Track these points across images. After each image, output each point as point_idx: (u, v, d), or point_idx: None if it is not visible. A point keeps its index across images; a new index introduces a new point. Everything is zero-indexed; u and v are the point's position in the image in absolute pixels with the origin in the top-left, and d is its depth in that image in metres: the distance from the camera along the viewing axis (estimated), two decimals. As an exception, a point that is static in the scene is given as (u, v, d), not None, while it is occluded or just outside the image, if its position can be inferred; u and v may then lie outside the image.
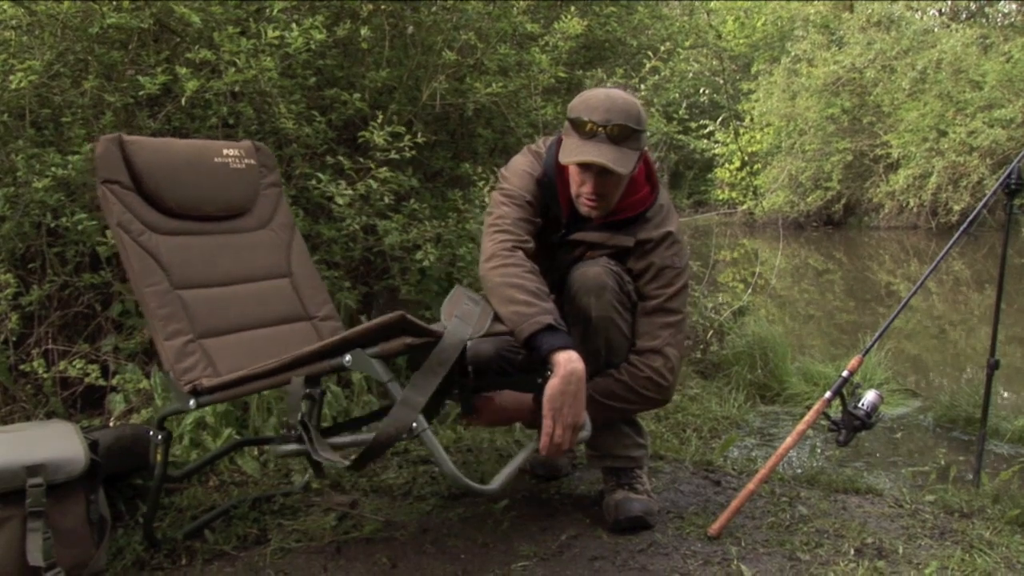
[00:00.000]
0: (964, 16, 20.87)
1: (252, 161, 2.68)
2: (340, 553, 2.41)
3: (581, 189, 2.44)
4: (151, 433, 2.38)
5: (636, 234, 2.50)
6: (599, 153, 2.32)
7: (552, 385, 2.12)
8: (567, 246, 2.55)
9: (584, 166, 2.38)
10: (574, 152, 2.36)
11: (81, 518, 2.24)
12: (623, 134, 2.33)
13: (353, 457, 1.99)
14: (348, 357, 1.96)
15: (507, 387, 2.49)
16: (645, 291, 2.49)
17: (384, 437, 1.90)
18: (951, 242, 2.96)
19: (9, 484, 2.12)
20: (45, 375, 3.04)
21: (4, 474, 2.12)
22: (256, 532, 2.55)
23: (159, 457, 2.36)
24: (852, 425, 2.64)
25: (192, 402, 2.19)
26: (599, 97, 2.40)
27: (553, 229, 2.56)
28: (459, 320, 2.04)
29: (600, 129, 2.33)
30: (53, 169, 2.89)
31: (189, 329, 2.32)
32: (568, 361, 2.13)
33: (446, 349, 1.95)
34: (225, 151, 2.62)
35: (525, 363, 2.48)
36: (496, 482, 1.99)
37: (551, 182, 2.53)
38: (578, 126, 2.37)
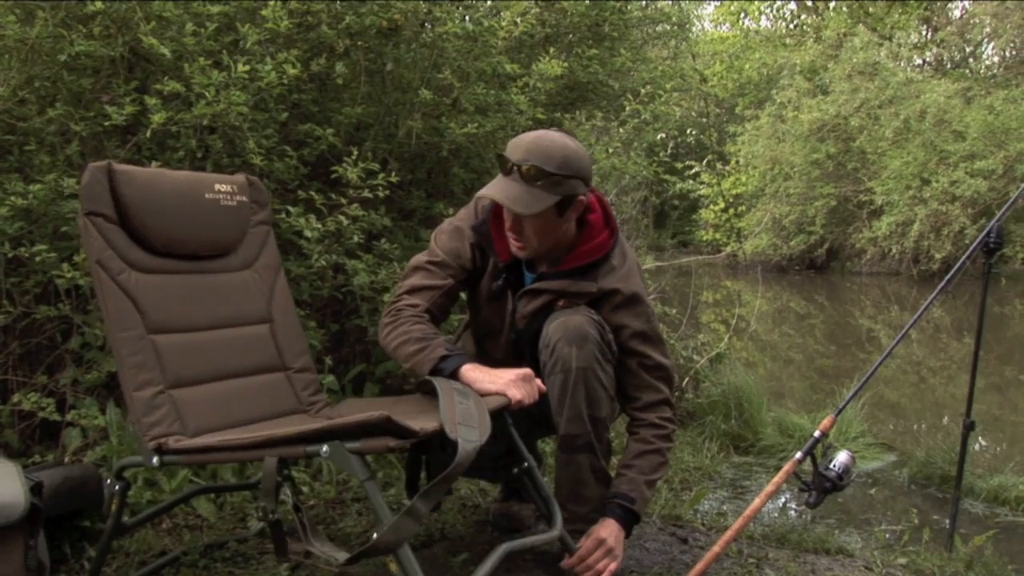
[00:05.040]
0: (948, 66, 21.11)
1: (244, 198, 2.58)
2: (290, 607, 2.33)
3: (506, 228, 2.42)
4: (107, 482, 2.29)
5: (599, 280, 2.45)
6: (502, 190, 2.31)
7: (484, 388, 2.21)
8: (528, 296, 2.49)
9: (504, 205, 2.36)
10: (487, 188, 2.35)
11: (18, 565, 2.15)
12: (536, 175, 2.28)
13: (344, 553, 1.93)
14: (326, 448, 1.89)
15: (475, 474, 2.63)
16: (631, 347, 2.45)
17: (383, 544, 1.82)
18: (927, 303, 2.90)
19: (-57, 528, 2.04)
20: (1, 407, 2.96)
21: (-62, 518, 2.04)
22: (205, 582, 2.47)
23: (114, 507, 2.27)
24: (823, 487, 2.57)
25: (155, 459, 2.11)
26: (530, 138, 2.36)
27: (494, 276, 2.54)
28: (465, 427, 1.94)
29: (515, 168, 2.30)
30: (13, 198, 2.82)
31: (160, 379, 2.22)
32: (471, 368, 2.26)
33: (461, 463, 1.86)
34: (217, 186, 2.51)
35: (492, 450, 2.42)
36: None
37: (487, 229, 2.51)
38: (501, 163, 2.35)
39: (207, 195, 2.48)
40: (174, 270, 2.39)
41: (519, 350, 2.55)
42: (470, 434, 1.92)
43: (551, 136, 2.36)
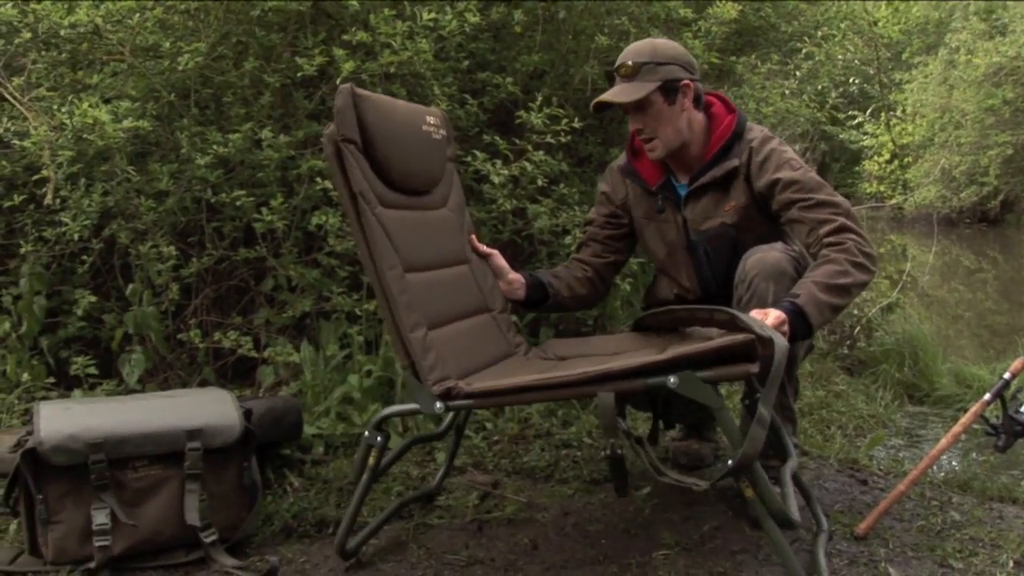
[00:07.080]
0: None
1: (445, 132, 2.50)
2: (482, 531, 2.44)
3: (632, 131, 2.63)
4: (366, 434, 2.16)
5: (740, 155, 2.55)
6: (608, 94, 2.54)
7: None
8: (691, 201, 2.62)
9: (625, 112, 2.60)
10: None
11: (234, 483, 2.33)
12: (634, 70, 2.51)
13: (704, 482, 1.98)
14: (674, 379, 1.86)
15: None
16: (786, 199, 2.46)
17: (747, 457, 1.83)
18: None
19: (170, 446, 2.24)
20: (200, 344, 3.16)
21: (166, 437, 2.23)
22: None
23: (371, 460, 2.17)
24: (1013, 431, 2.51)
25: (439, 405, 2.01)
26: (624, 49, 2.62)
27: (652, 199, 2.71)
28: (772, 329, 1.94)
29: (615, 74, 2.56)
30: (215, 147, 3.00)
31: (424, 320, 2.11)
32: None
33: (783, 359, 1.84)
34: (428, 118, 2.41)
35: None
36: (795, 515, 1.97)
37: (632, 167, 2.74)
38: (608, 78, 2.61)
39: (423, 127, 2.39)
40: (403, 205, 2.27)
41: (698, 263, 2.66)
42: (780, 337, 1.90)
43: (640, 40, 2.66)
